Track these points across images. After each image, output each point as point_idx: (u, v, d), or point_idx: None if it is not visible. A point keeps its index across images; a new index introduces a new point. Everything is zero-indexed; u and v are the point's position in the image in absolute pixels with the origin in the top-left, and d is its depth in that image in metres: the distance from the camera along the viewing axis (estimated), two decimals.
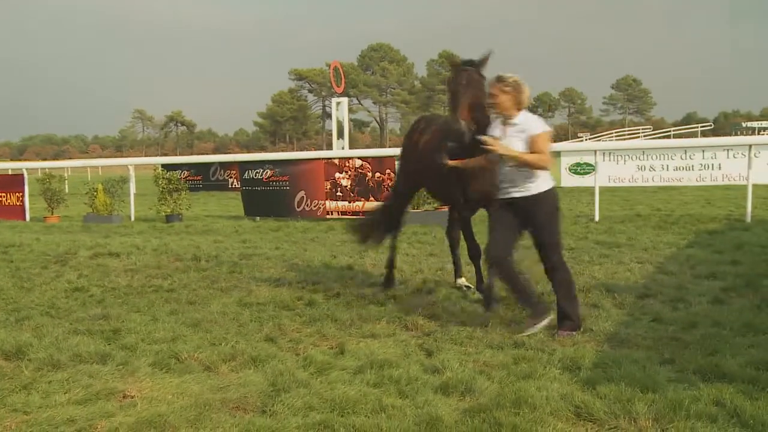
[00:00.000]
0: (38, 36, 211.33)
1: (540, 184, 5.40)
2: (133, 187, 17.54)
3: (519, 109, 5.43)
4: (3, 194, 17.88)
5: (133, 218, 16.57)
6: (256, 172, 15.68)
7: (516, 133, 5.41)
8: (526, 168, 5.36)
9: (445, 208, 12.64)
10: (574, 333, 5.32)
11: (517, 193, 5.44)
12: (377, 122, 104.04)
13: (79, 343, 5.42)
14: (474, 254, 6.77)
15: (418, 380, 4.44)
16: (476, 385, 4.28)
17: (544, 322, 5.45)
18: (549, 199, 5.42)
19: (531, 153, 5.33)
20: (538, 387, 4.14)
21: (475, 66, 6.03)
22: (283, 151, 77.48)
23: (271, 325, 5.87)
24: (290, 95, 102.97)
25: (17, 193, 17.65)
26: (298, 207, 15.18)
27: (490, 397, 4.11)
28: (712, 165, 13.83)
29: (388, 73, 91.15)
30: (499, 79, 5.44)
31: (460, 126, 5.74)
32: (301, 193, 15.13)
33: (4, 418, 4.06)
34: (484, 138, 5.46)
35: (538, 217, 5.42)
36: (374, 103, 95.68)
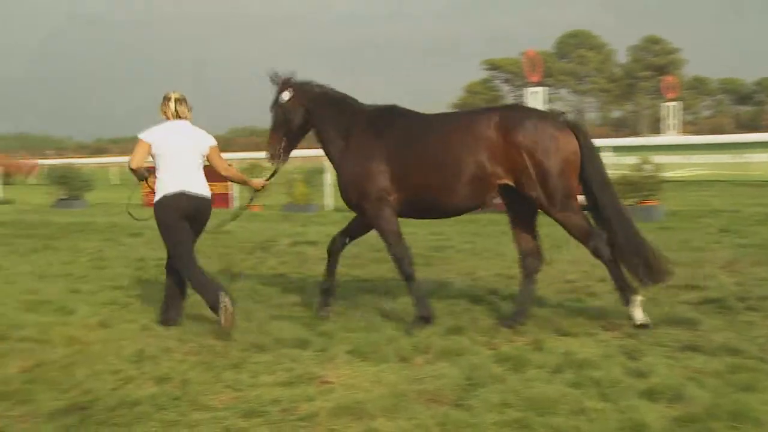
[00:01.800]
0: (243, 37, 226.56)
1: (156, 197, 5.90)
2: (329, 178, 18.19)
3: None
4: (213, 183, 19.25)
5: (331, 207, 17.16)
6: None
7: None
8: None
9: (647, 202, 12.02)
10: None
11: None
12: (575, 112, 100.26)
13: (281, 328, 5.69)
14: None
15: (620, 383, 4.21)
16: (687, 393, 3.98)
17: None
18: (155, 212, 5.86)
19: None
20: (762, 401, 3.76)
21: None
22: None
23: (465, 319, 5.82)
24: (483, 85, 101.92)
25: (225, 183, 18.98)
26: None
27: (703, 406, 3.79)
28: None
29: (587, 60, 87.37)
30: None
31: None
32: None
33: (220, 392, 4.35)
34: None
35: None
36: (572, 92, 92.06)
